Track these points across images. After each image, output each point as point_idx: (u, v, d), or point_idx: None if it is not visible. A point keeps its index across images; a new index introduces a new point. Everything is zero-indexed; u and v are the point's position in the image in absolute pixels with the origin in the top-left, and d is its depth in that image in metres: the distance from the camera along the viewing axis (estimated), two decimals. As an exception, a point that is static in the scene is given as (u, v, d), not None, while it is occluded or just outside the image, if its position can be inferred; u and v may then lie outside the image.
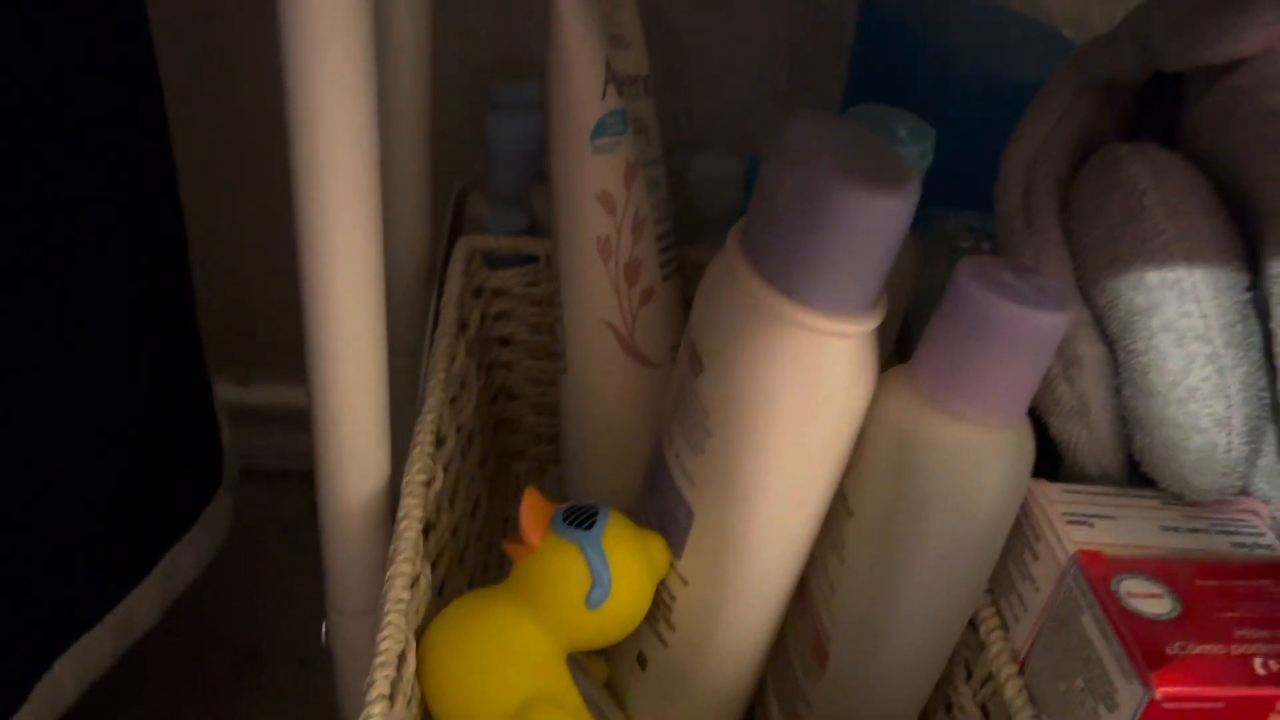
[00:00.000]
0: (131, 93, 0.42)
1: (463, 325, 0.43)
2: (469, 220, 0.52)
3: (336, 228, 0.30)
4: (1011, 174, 0.38)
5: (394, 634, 0.29)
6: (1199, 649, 0.26)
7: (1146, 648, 0.26)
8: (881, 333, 0.31)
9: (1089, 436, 0.33)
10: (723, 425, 0.31)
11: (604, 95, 0.39)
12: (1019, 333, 0.28)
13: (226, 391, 0.58)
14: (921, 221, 0.30)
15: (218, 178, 0.60)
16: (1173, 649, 0.26)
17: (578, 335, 0.42)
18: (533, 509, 0.32)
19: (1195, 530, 0.31)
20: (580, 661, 0.35)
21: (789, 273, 0.29)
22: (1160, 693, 0.26)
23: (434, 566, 0.35)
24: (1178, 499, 0.32)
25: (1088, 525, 0.31)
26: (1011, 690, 0.30)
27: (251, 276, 0.64)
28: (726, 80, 0.61)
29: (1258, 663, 0.26)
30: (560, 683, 0.31)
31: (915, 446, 0.30)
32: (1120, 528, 0.31)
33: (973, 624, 0.33)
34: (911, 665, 0.33)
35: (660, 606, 0.34)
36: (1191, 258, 0.32)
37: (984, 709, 0.32)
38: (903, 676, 0.33)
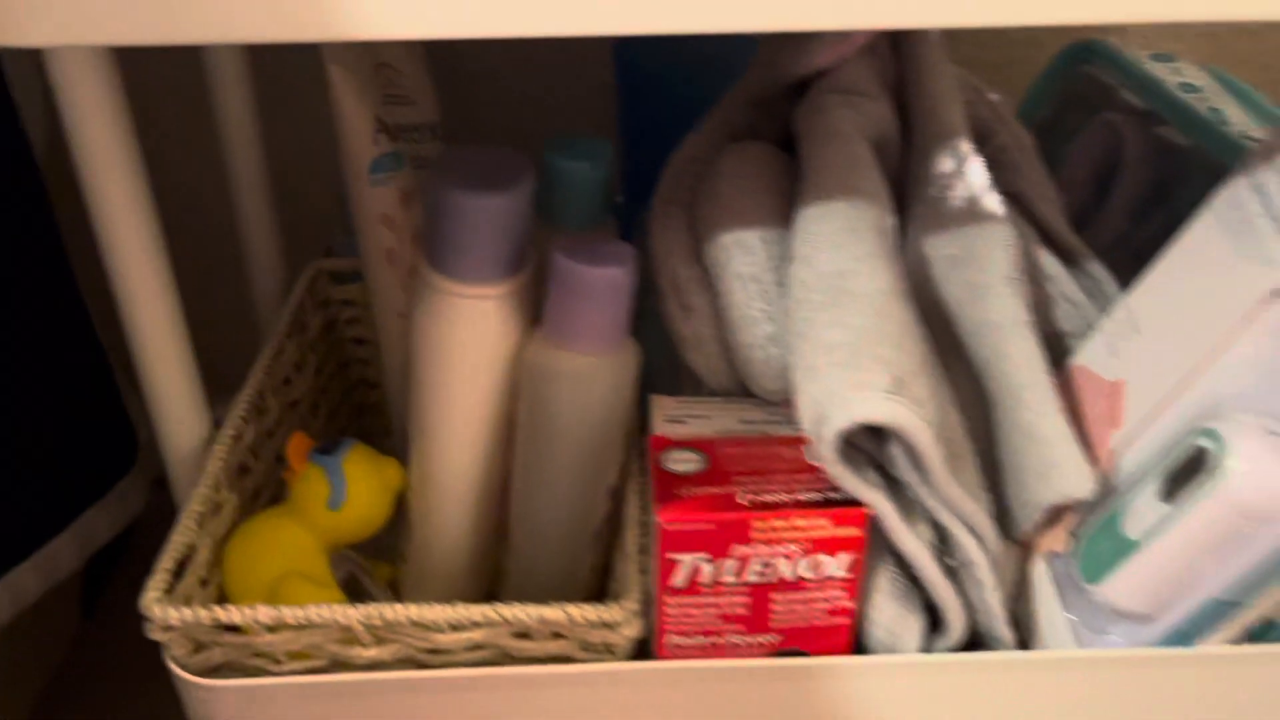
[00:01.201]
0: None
1: (300, 326, 0.56)
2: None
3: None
4: (668, 172, 0.49)
5: (184, 531, 0.42)
6: (703, 490, 0.38)
7: (664, 492, 0.38)
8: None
9: (705, 363, 0.45)
10: (413, 372, 0.43)
11: (375, 142, 0.52)
12: (585, 284, 0.40)
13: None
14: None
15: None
16: (683, 492, 0.38)
17: (383, 324, 0.55)
18: (297, 445, 0.45)
19: (765, 421, 0.42)
20: (360, 562, 0.47)
21: (439, 256, 0.41)
22: (664, 520, 0.37)
23: (255, 497, 0.48)
24: (764, 401, 0.44)
25: (681, 423, 0.42)
26: (631, 542, 0.42)
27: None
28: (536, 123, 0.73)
29: (741, 498, 0.37)
30: (315, 566, 0.43)
31: (542, 374, 0.42)
32: (706, 423, 0.42)
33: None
34: (564, 534, 0.44)
35: (406, 514, 0.46)
36: (750, 222, 0.43)
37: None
38: (560, 544, 0.44)
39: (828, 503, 0.37)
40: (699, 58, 0.54)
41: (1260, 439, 0.36)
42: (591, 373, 0.41)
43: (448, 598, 0.39)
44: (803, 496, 0.38)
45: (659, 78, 0.61)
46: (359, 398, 0.64)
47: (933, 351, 0.41)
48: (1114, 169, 0.55)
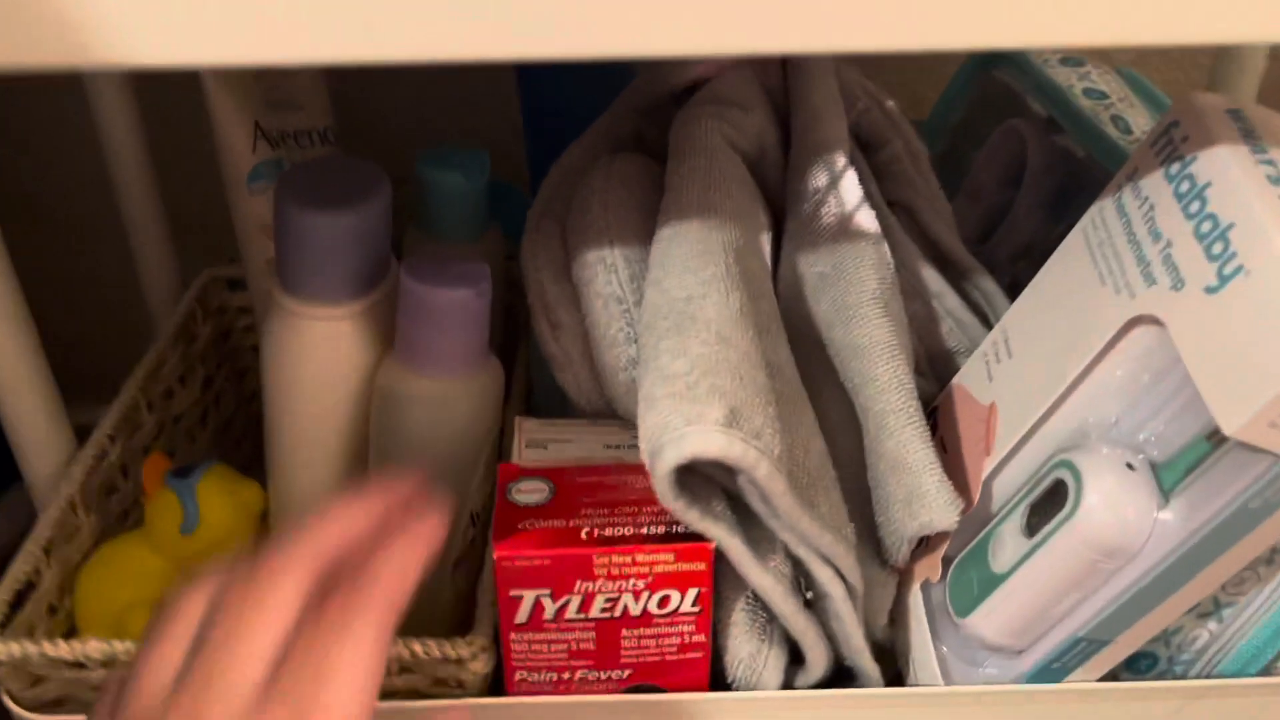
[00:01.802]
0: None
1: (188, 335, 0.55)
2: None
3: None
4: (546, 183, 0.47)
5: (26, 558, 0.40)
6: (545, 524, 0.36)
7: (504, 526, 0.36)
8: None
9: (573, 383, 0.43)
10: (265, 394, 0.42)
11: (254, 149, 0.50)
12: (432, 306, 0.38)
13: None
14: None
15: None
16: (524, 525, 0.36)
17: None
18: (153, 467, 0.43)
19: (630, 445, 0.41)
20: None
21: (286, 275, 0.40)
22: (498, 555, 0.35)
23: (124, 517, 0.47)
24: (632, 423, 0.42)
25: (543, 447, 0.41)
26: (487, 575, 0.40)
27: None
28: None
29: (584, 532, 0.36)
30: (166, 588, 0.42)
31: (393, 398, 0.40)
32: (568, 447, 0.41)
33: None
34: None
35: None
36: (614, 240, 0.41)
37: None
38: None
39: (672, 537, 0.36)
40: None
41: (1116, 473, 0.35)
42: (444, 397, 0.40)
43: None
44: (648, 530, 0.36)
45: (561, 76, 0.60)
46: (257, 409, 0.63)
47: (795, 376, 0.40)
48: (1020, 177, 0.53)
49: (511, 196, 0.56)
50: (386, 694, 0.38)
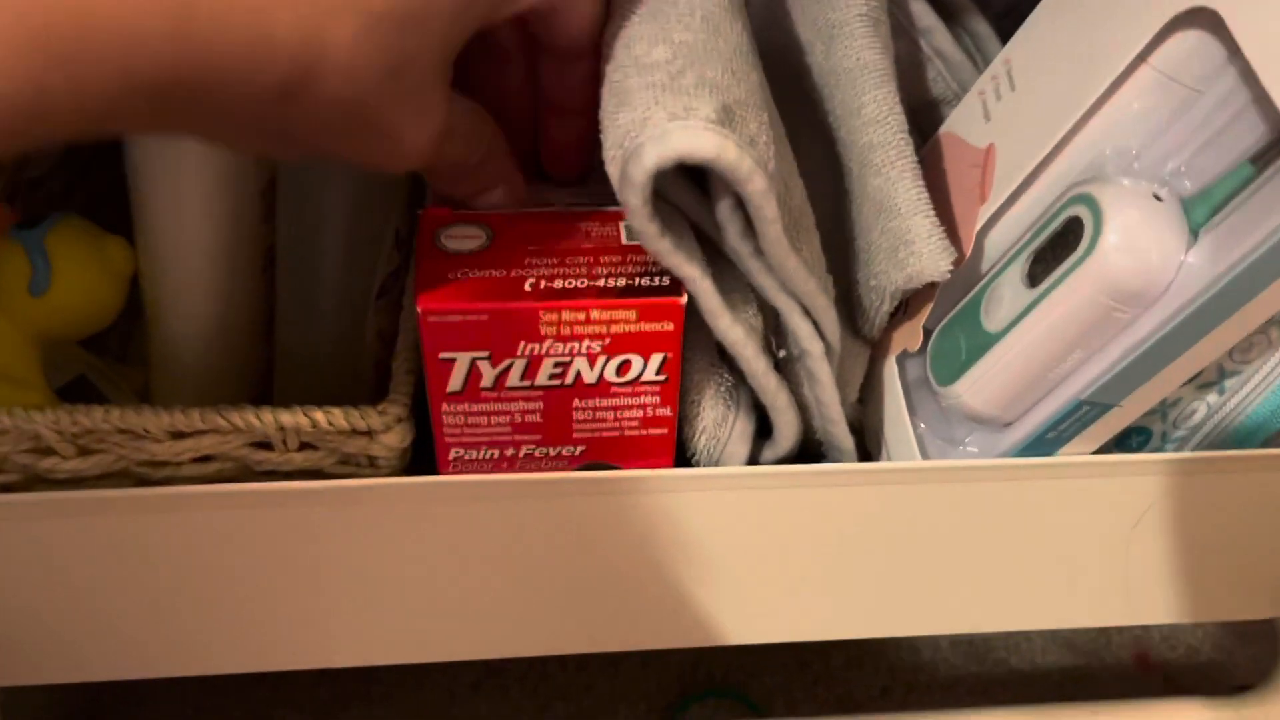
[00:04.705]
0: None
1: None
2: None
3: None
4: None
5: None
6: (483, 274, 0.30)
7: (430, 276, 0.30)
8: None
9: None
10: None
11: None
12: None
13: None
14: None
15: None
16: (454, 275, 0.30)
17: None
18: (-5, 219, 0.36)
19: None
20: (96, 364, 0.40)
21: None
22: (421, 308, 0.29)
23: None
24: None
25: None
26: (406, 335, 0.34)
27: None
28: None
29: (528, 283, 0.30)
30: (17, 362, 0.35)
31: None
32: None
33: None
34: (339, 299, 0.37)
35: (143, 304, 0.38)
36: None
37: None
38: (334, 313, 0.38)
39: (634, 290, 0.30)
40: None
41: (1141, 205, 0.30)
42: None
43: (200, 403, 0.32)
44: (605, 283, 0.30)
45: None
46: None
47: (772, 104, 0.34)
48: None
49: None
50: (283, 474, 0.33)
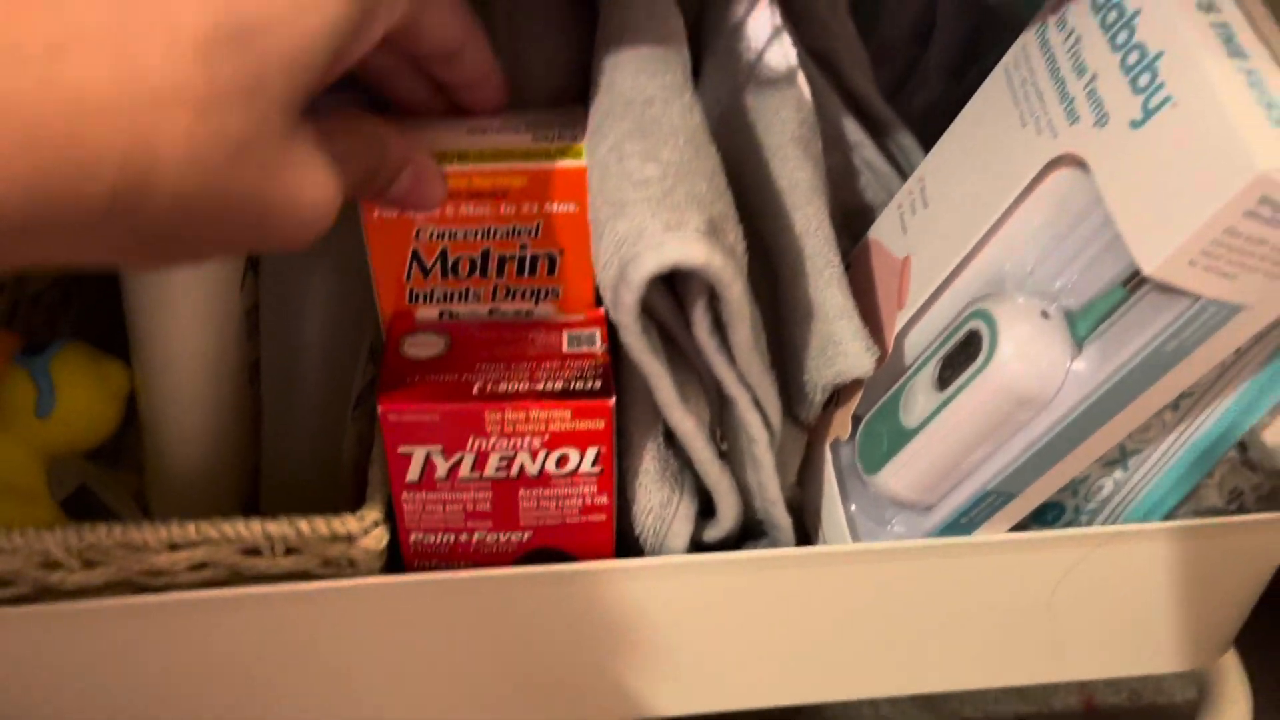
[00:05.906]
0: None
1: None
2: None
3: None
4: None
5: None
6: (438, 378, 0.34)
7: (391, 379, 0.34)
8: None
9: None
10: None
11: None
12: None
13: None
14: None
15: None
16: (412, 380, 0.34)
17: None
18: (2, 346, 0.39)
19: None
20: (95, 473, 0.43)
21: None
22: (382, 408, 0.33)
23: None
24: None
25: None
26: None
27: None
28: None
29: (476, 387, 0.34)
30: (25, 479, 0.38)
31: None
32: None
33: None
34: (320, 407, 0.41)
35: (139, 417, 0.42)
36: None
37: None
38: (318, 422, 0.41)
39: (570, 394, 0.34)
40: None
41: (1031, 321, 0.34)
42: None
43: (193, 506, 0.35)
44: (544, 386, 0.34)
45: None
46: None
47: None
48: (931, 26, 0.51)
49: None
50: (270, 577, 0.36)
